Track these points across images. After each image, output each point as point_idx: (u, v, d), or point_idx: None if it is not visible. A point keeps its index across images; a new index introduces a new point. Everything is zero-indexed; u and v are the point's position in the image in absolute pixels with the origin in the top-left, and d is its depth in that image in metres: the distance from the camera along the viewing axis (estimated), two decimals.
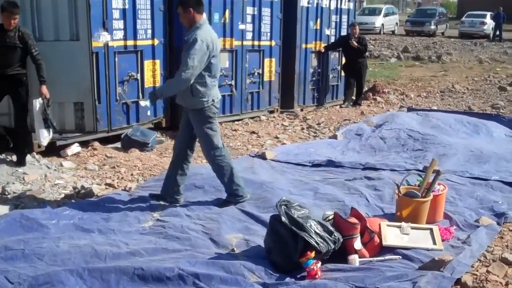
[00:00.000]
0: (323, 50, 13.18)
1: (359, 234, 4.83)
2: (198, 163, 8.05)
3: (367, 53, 14.79)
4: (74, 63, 8.06)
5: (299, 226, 4.49)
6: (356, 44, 13.04)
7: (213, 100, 5.83)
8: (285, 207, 4.62)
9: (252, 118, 11.30)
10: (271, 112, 11.87)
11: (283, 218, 4.52)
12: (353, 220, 4.90)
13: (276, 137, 9.90)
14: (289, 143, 9.40)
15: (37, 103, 7.30)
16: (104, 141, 8.75)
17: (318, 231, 4.53)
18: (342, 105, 13.43)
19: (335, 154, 8.54)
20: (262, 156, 8.17)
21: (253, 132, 10.15)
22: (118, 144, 8.70)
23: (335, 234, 4.63)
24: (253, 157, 8.25)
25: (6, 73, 7.20)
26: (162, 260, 4.59)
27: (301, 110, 12.54)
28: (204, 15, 5.86)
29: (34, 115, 7.32)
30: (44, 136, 7.43)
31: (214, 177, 6.74)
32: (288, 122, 11.33)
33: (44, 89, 7.29)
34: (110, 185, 6.86)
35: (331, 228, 4.67)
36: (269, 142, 9.51)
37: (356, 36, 13.22)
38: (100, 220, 5.58)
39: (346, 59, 13.65)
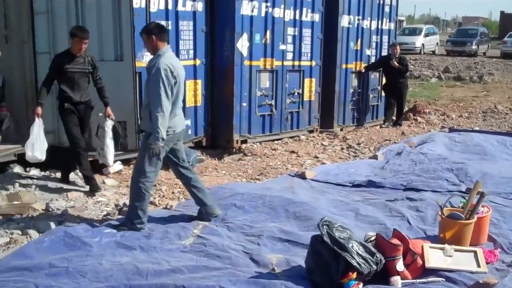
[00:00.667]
0: (363, 70, 13.17)
1: (401, 256, 4.77)
2: (238, 181, 8.10)
3: (407, 73, 14.71)
4: (118, 83, 8.22)
5: (341, 247, 4.46)
6: (397, 64, 13.00)
7: (173, 130, 5.75)
8: (326, 227, 4.60)
9: (291, 137, 11.31)
10: (311, 131, 11.87)
11: (325, 238, 4.50)
12: (396, 241, 4.85)
13: (316, 157, 9.88)
14: (329, 163, 9.36)
15: (109, 124, 7.44)
16: None
17: (360, 252, 4.50)
18: (383, 125, 13.37)
19: (375, 173, 8.49)
20: (302, 176, 8.16)
21: (293, 152, 10.15)
22: None
23: (377, 255, 4.59)
24: (292, 176, 8.24)
25: (82, 100, 7.33)
26: (203, 278, 4.60)
27: (341, 130, 12.52)
28: (168, 44, 5.88)
29: (106, 136, 7.43)
30: (113, 155, 7.60)
31: (254, 197, 6.78)
32: (328, 142, 11.31)
33: (110, 110, 7.46)
34: (151, 203, 6.89)
35: (373, 249, 4.63)
36: (308, 162, 9.49)
37: (397, 56, 13.18)
38: (141, 237, 5.63)
39: (386, 79, 13.61)
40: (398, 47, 13.44)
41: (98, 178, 7.89)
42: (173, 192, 7.36)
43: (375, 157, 9.64)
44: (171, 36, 8.97)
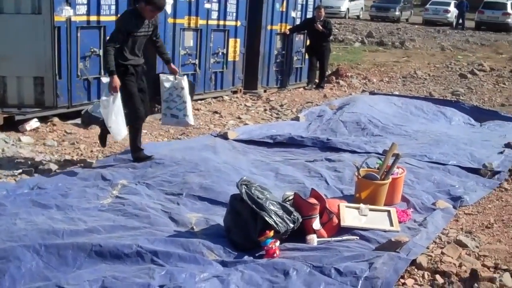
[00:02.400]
0: (288, 32, 13.16)
1: (318, 215, 4.87)
2: (159, 140, 8.03)
3: (331, 37, 14.81)
4: (35, 37, 7.91)
5: (259, 206, 4.50)
6: (321, 27, 13.04)
7: None
8: (245, 187, 4.62)
9: (215, 98, 11.25)
10: (235, 92, 11.84)
11: (244, 197, 4.53)
12: (313, 200, 4.94)
13: (239, 118, 9.89)
14: (252, 124, 9.40)
15: (185, 79, 6.93)
16: (64, 117, 8.62)
17: (277, 211, 4.56)
18: (306, 88, 13.47)
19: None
20: (224, 136, 8.15)
21: (216, 112, 10.12)
22: (78, 121, 8.58)
23: (294, 214, 4.67)
24: (215, 136, 8.22)
25: (140, 62, 6.69)
26: (120, 237, 4.55)
27: (265, 91, 12.53)
28: None
29: (185, 93, 6.86)
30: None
31: (174, 150, 6.72)
32: (251, 103, 11.32)
33: (174, 65, 7.01)
34: (69, 161, 6.78)
35: (290, 208, 4.70)
36: (231, 122, 9.50)
37: (321, 19, 13.22)
38: (58, 196, 5.51)
39: (310, 41, 13.66)
40: (322, 10, 13.46)
41: (14, 135, 7.64)
42: (91, 151, 7.21)
43: (297, 118, 9.75)
44: None
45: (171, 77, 6.91)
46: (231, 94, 11.71)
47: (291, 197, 5.04)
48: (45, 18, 7.88)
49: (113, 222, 4.95)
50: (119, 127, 6.35)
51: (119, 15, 9.12)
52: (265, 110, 10.78)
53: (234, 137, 8.17)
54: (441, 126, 9.82)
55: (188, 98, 6.92)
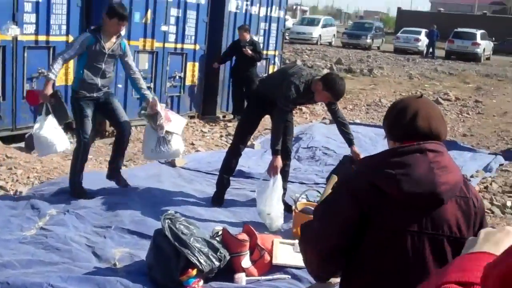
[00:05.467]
0: (217, 65, 11.89)
1: (248, 252, 4.64)
2: (102, 166, 7.74)
3: (261, 61, 12.80)
4: None
5: (182, 243, 4.26)
6: (250, 52, 11.64)
7: None
8: (169, 221, 4.38)
9: None
10: (192, 117, 11.59)
11: (166, 233, 4.28)
12: (243, 236, 4.70)
13: (192, 144, 9.62)
14: (204, 151, 9.15)
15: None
16: (9, 140, 8.30)
17: (202, 248, 4.31)
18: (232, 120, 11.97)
19: (249, 164, 8.35)
20: (171, 163, 7.88)
21: None
22: (23, 144, 8.27)
23: (221, 252, 4.42)
24: (162, 163, 7.94)
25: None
26: (34, 273, 4.26)
27: (224, 116, 12.28)
28: None
29: None
30: None
31: (106, 181, 6.48)
32: (208, 128, 11.08)
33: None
34: (1, 187, 6.45)
35: (217, 245, 4.46)
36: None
37: (247, 41, 11.75)
38: None
39: (236, 66, 12.15)
40: (246, 29, 11.70)
41: None
42: (28, 177, 6.88)
43: (252, 146, 9.52)
44: (42, 9, 8.46)
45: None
46: (188, 119, 11.44)
47: (220, 232, 4.79)
48: None
49: (31, 256, 4.65)
50: (278, 214, 5.69)
51: (70, 35, 8.95)
52: (221, 136, 10.53)
53: (182, 165, 7.91)
54: None
55: None
